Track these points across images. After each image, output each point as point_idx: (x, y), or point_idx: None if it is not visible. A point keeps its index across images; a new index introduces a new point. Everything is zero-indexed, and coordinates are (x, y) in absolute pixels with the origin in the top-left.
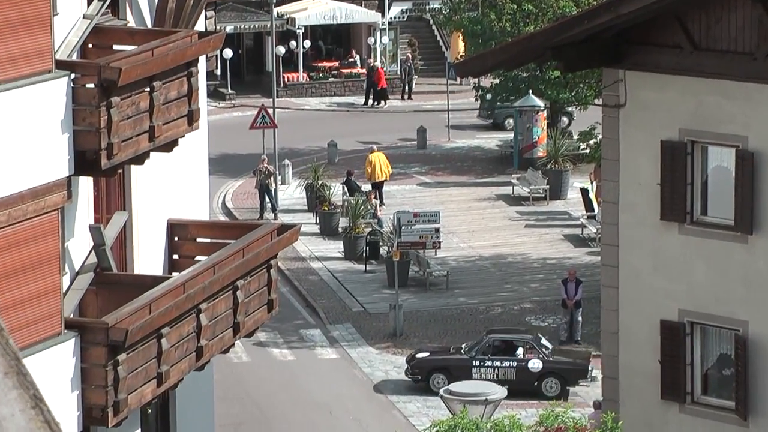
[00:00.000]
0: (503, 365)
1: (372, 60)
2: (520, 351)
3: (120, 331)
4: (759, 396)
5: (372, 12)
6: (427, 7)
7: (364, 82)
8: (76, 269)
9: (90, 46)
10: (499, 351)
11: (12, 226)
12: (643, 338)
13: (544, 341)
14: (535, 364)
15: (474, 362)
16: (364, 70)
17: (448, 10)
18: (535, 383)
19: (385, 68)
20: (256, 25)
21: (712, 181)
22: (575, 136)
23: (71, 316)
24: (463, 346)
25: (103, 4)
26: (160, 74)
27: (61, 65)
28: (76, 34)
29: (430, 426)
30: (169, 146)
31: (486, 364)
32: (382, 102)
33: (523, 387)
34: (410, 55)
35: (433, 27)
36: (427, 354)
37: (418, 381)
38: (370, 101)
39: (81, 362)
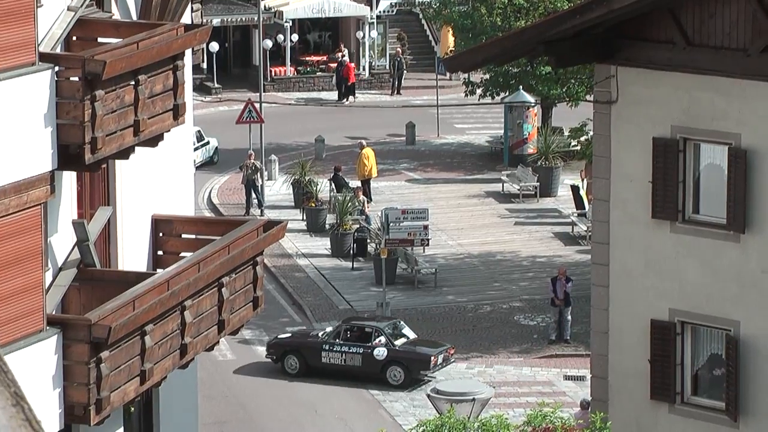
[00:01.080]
0: (350, 351)
1: (341, 55)
2: (381, 339)
3: (103, 328)
4: (750, 397)
5: (360, 5)
6: (417, 0)
7: (333, 77)
8: (59, 265)
9: (74, 38)
10: (355, 337)
11: None
12: (633, 338)
13: (405, 330)
14: (380, 353)
15: (324, 346)
16: (353, 65)
17: (437, 4)
18: (380, 371)
19: (373, 63)
20: (243, 18)
21: (704, 179)
22: (566, 133)
23: (53, 313)
24: (328, 329)
25: None
26: (145, 67)
27: (44, 58)
28: (60, 27)
29: (417, 425)
30: (154, 141)
31: (335, 349)
32: (350, 97)
33: (368, 374)
34: (399, 50)
35: (423, 21)
36: (288, 335)
37: (275, 362)
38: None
39: (63, 359)
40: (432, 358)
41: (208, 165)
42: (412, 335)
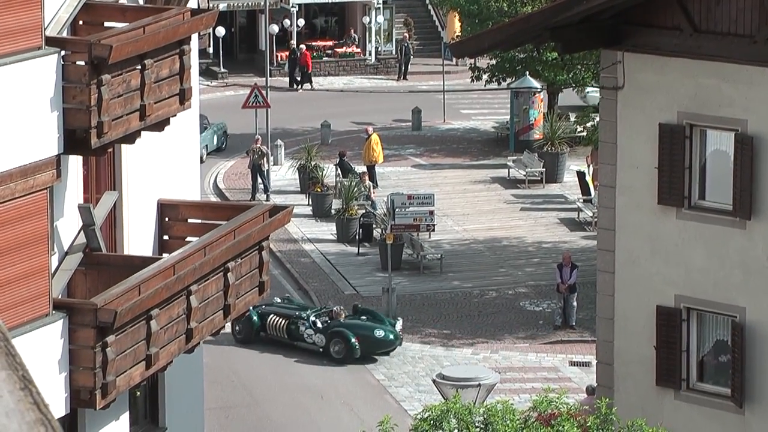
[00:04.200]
0: None
1: (294, 43)
2: None
3: (109, 313)
4: (755, 383)
5: None
6: None
7: (286, 65)
8: (65, 249)
9: (81, 22)
10: None
11: (0, 205)
12: (638, 324)
13: None
14: None
15: None
16: (359, 50)
17: None
18: None
19: (379, 48)
20: (250, 3)
21: (710, 165)
22: (572, 119)
23: (59, 297)
24: None
25: None
26: (151, 52)
27: (51, 42)
28: (66, 11)
29: (423, 411)
30: (160, 125)
31: None
32: (306, 84)
33: None
34: (406, 35)
35: (429, 6)
36: None
37: None
38: (296, 83)
39: (69, 343)
40: None
41: None
42: None
